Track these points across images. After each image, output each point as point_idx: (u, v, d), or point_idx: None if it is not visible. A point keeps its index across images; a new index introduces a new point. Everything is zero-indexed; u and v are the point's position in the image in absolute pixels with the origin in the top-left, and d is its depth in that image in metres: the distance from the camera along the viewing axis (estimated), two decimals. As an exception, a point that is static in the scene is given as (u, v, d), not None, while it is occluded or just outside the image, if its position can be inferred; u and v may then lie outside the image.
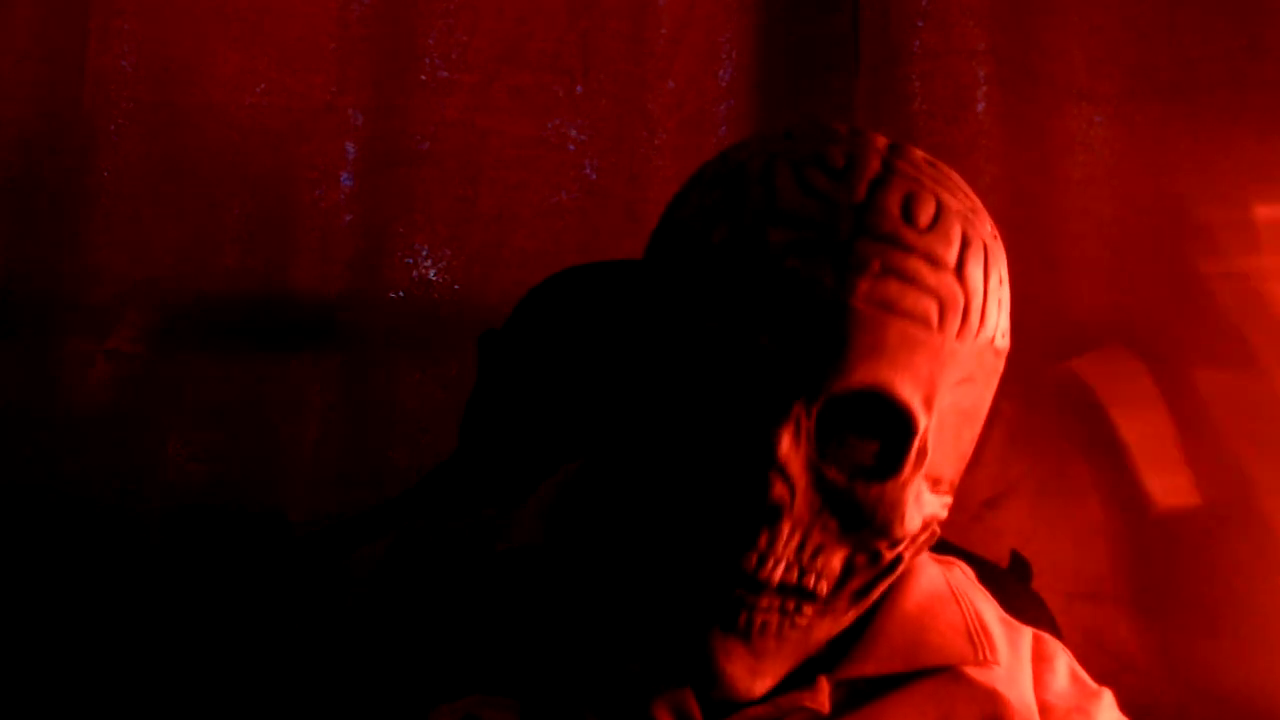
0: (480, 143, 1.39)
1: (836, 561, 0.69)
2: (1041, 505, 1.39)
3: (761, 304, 0.66)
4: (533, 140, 1.40)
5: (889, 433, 0.68)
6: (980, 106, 1.40)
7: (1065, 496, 1.39)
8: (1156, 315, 1.38)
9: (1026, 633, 0.80)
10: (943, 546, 0.86)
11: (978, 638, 0.76)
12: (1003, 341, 0.73)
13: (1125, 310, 1.39)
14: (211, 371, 1.34)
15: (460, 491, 1.10)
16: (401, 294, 1.37)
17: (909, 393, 0.67)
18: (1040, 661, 0.78)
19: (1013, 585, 1.16)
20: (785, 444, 0.66)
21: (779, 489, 0.65)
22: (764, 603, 0.68)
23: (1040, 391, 1.40)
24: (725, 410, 0.67)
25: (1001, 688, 0.74)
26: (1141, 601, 1.37)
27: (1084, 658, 0.82)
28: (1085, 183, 1.40)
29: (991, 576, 0.87)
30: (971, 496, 1.39)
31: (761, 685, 0.69)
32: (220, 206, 1.35)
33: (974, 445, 0.74)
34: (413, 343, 1.37)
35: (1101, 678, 0.81)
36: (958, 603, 0.78)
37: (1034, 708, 0.75)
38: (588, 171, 1.41)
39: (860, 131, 0.72)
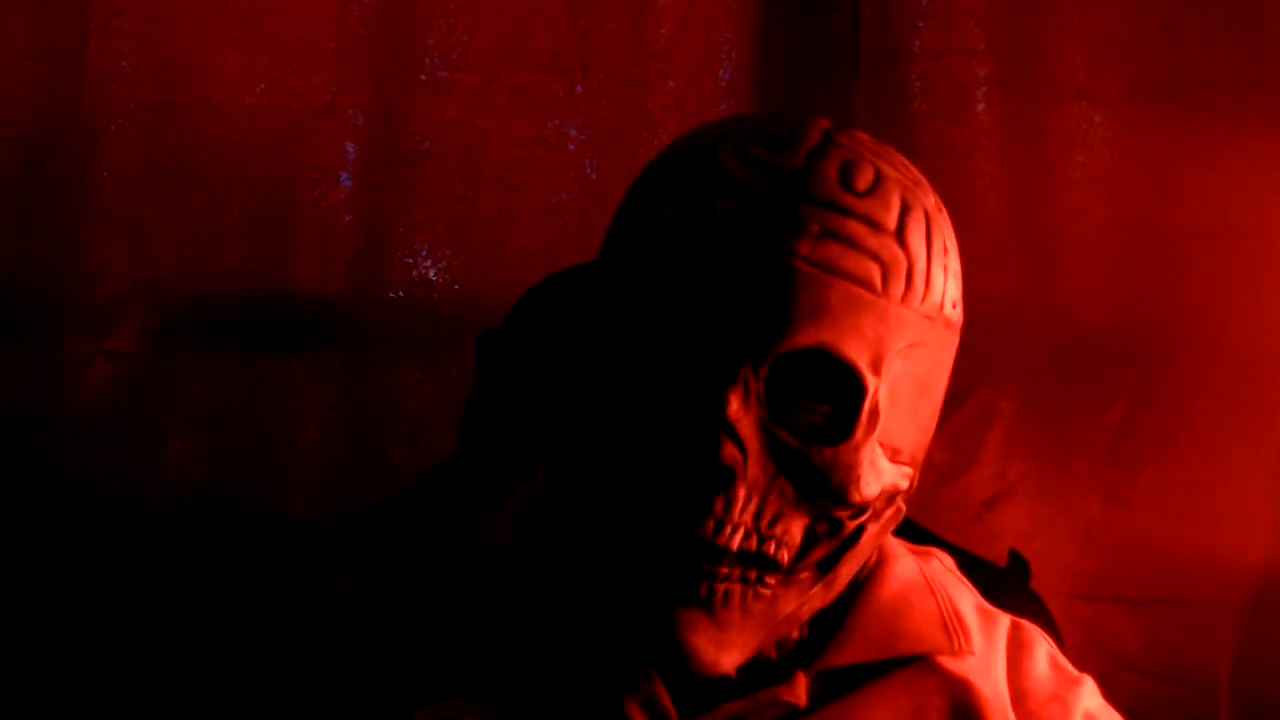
0: (480, 143, 1.39)
1: (796, 530, 0.69)
2: (1041, 505, 1.40)
3: (707, 270, 0.67)
4: (533, 140, 1.40)
5: (839, 394, 0.68)
6: (980, 106, 1.40)
7: (1065, 496, 1.39)
8: (1156, 315, 1.38)
9: (1004, 620, 0.80)
10: (949, 550, 0.86)
11: (952, 627, 0.77)
12: (954, 312, 0.73)
13: (1125, 310, 1.39)
14: (211, 371, 1.34)
15: (460, 491, 1.10)
16: (401, 294, 1.37)
17: (855, 353, 0.67)
18: (1018, 649, 0.79)
19: (1012, 585, 1.16)
20: (734, 405, 0.66)
21: (730, 450, 0.66)
22: (724, 570, 0.67)
23: (1040, 391, 1.40)
24: (675, 378, 0.68)
25: (974, 677, 0.75)
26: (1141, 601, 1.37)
27: (1084, 658, 0.82)
28: (1085, 183, 1.40)
29: (991, 576, 0.87)
30: (971, 496, 1.39)
31: (728, 659, 0.69)
32: (220, 206, 1.35)
33: (934, 420, 0.75)
34: (413, 343, 1.37)
35: (1102, 677, 0.81)
36: (933, 592, 0.78)
37: (1006, 697, 0.76)
38: (588, 171, 1.41)
39: (803, 116, 0.74)
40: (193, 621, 1.15)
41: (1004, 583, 1.03)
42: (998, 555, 1.26)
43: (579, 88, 1.41)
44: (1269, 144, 1.34)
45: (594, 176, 1.41)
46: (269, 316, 1.37)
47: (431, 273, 1.38)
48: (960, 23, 1.40)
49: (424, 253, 1.38)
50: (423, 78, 1.38)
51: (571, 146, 1.41)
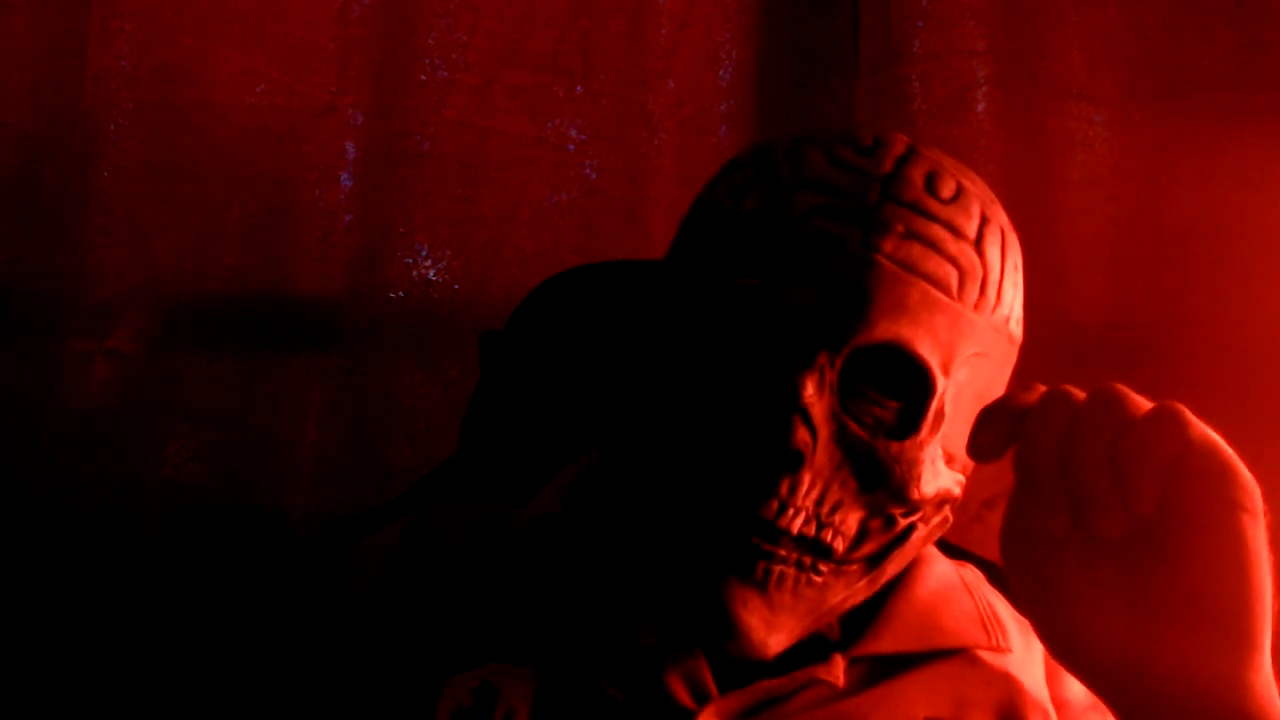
0: (480, 143, 1.39)
1: (853, 521, 0.69)
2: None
3: (788, 260, 0.69)
4: (533, 140, 1.40)
5: (909, 391, 0.69)
6: (980, 106, 1.40)
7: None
8: (1156, 315, 1.38)
9: None
10: (946, 549, 0.86)
11: (991, 625, 0.78)
12: (1016, 328, 0.75)
13: (1125, 310, 1.39)
14: (211, 371, 1.34)
15: (462, 491, 1.10)
16: (401, 294, 1.37)
17: (928, 352, 0.69)
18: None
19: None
20: (809, 390, 0.67)
21: (802, 434, 0.66)
22: (782, 553, 0.68)
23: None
24: (751, 361, 0.69)
25: (1015, 672, 0.75)
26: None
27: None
28: (1085, 183, 1.40)
29: (996, 576, 0.87)
30: (972, 496, 1.39)
31: (776, 641, 0.69)
32: (220, 206, 1.35)
33: None
34: (413, 343, 1.37)
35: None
36: (970, 593, 0.80)
37: (1047, 697, 0.76)
38: (588, 171, 1.41)
39: (887, 129, 0.77)
40: (193, 621, 1.15)
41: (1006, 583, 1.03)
42: (998, 555, 1.26)
43: (579, 88, 1.41)
44: (1269, 144, 1.34)
45: (594, 176, 1.41)
46: (269, 316, 1.37)
47: (431, 273, 1.38)
48: (960, 23, 1.40)
49: (424, 253, 1.38)
50: (423, 78, 1.38)
51: (571, 146, 1.41)
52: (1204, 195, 1.35)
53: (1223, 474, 0.59)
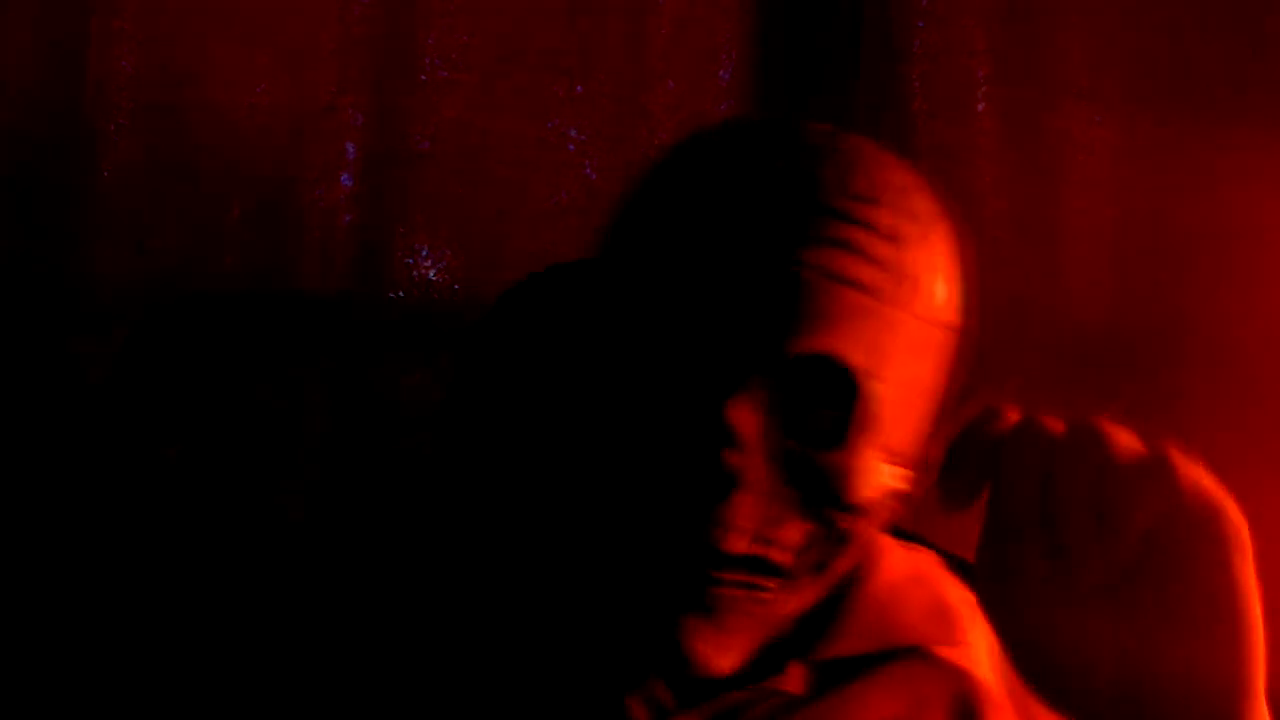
0: (480, 143, 1.39)
1: (796, 533, 0.68)
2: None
3: (709, 276, 0.67)
4: (533, 140, 1.40)
5: (840, 400, 0.68)
6: (980, 106, 1.40)
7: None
8: (1156, 316, 1.38)
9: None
10: (898, 535, 0.86)
11: (945, 618, 0.77)
12: (953, 317, 0.74)
13: (1125, 310, 1.39)
14: (212, 371, 1.34)
15: (450, 495, 1.10)
16: (401, 294, 1.37)
17: (856, 358, 0.67)
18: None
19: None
20: (739, 411, 0.66)
21: (735, 457, 0.65)
22: (728, 576, 0.67)
23: (1040, 391, 1.40)
24: (679, 383, 0.67)
25: (970, 665, 0.75)
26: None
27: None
28: (1085, 183, 1.40)
29: (968, 575, 0.87)
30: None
31: (729, 661, 0.69)
32: (220, 206, 1.35)
33: (931, 421, 0.75)
34: (413, 343, 1.37)
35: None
36: (924, 585, 0.79)
37: (1002, 689, 0.75)
38: (588, 171, 1.41)
39: (800, 119, 0.74)
40: (192, 621, 1.15)
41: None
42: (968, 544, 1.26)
43: (579, 88, 1.41)
44: (1269, 144, 1.34)
45: (594, 176, 1.41)
46: (269, 316, 1.37)
47: (431, 273, 1.38)
48: (960, 23, 1.40)
49: (424, 253, 1.38)
50: (423, 78, 1.38)
51: (571, 146, 1.41)
52: (1204, 195, 1.35)
53: (1213, 519, 0.58)
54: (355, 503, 1.29)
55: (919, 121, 1.39)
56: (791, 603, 0.71)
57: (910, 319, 0.70)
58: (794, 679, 0.72)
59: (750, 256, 0.67)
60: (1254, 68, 1.36)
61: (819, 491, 0.68)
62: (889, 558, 0.78)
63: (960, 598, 0.79)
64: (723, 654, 0.68)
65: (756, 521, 0.67)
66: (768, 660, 0.72)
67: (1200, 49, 1.37)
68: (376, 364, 1.36)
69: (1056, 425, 0.59)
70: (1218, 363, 1.34)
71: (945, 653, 0.75)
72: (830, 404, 0.68)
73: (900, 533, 0.84)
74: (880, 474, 0.70)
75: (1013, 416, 0.60)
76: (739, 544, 0.66)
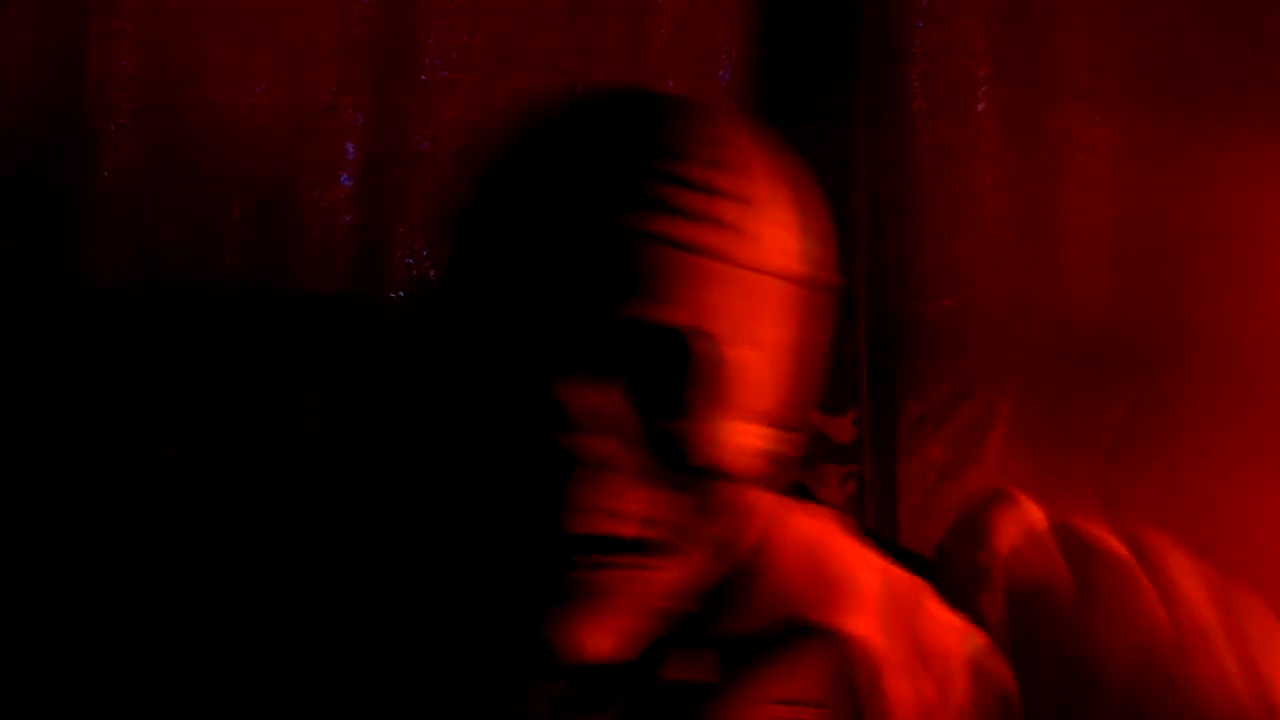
0: (480, 143, 1.39)
1: (654, 506, 0.67)
2: (1041, 505, 1.39)
3: (543, 249, 0.66)
4: (533, 140, 1.40)
5: (684, 366, 0.67)
6: (980, 106, 1.41)
7: (1065, 496, 1.39)
8: (1156, 315, 1.38)
9: (901, 578, 0.79)
10: (801, 494, 0.85)
11: (847, 587, 0.75)
12: (802, 270, 0.73)
13: (1125, 310, 1.40)
14: (212, 371, 1.34)
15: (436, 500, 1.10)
16: (401, 294, 1.37)
17: (692, 322, 0.66)
18: (915, 604, 0.77)
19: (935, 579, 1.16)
20: (577, 388, 0.65)
21: (583, 438, 0.64)
22: (592, 559, 0.66)
23: (1040, 392, 1.40)
24: (518, 365, 0.66)
25: (873, 635, 0.74)
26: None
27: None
28: (1085, 183, 1.40)
29: (920, 569, 0.86)
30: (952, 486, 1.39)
31: (606, 645, 0.68)
32: (220, 206, 1.35)
33: (804, 380, 0.74)
34: (412, 342, 1.37)
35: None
36: (822, 553, 0.77)
37: (909, 653, 0.74)
38: (588, 171, 1.41)
39: (637, 88, 0.75)
40: (192, 621, 1.15)
41: (928, 576, 1.02)
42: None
43: (579, 88, 1.41)
44: (1269, 144, 1.34)
45: (594, 176, 1.41)
46: (269, 316, 1.37)
47: (432, 273, 1.38)
48: (960, 23, 1.41)
49: (424, 253, 1.38)
50: (423, 78, 1.38)
51: (571, 146, 1.41)
52: (1204, 195, 1.36)
53: None
54: (354, 502, 1.29)
55: (919, 121, 1.40)
56: (672, 576, 0.69)
57: (751, 276, 0.69)
58: (696, 664, 0.71)
59: (575, 226, 0.66)
60: (1254, 68, 1.36)
61: (677, 461, 0.67)
62: (789, 527, 0.77)
63: (864, 563, 0.78)
64: (597, 638, 0.67)
65: (606, 499, 0.65)
66: (672, 644, 0.71)
67: (1200, 49, 1.37)
68: (377, 364, 1.36)
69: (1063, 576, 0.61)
70: (1218, 363, 1.34)
71: (846, 623, 0.74)
72: (676, 370, 0.67)
73: (803, 494, 0.83)
74: (735, 435, 0.69)
75: (1009, 532, 0.60)
76: (589, 524, 0.65)
